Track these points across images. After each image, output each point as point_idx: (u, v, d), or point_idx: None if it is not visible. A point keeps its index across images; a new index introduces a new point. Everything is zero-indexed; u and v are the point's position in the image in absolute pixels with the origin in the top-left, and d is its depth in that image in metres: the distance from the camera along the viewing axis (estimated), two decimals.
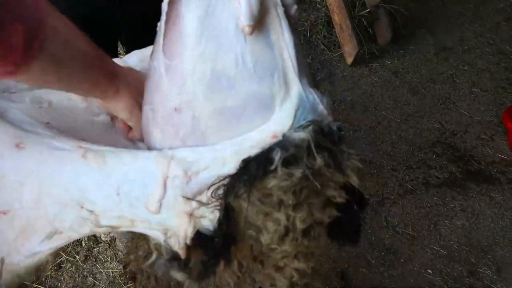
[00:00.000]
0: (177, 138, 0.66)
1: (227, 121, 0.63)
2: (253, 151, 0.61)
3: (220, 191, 0.59)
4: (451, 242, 1.84)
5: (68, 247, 1.80)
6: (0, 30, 0.49)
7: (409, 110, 2.36)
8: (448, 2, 2.99)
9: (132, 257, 0.75)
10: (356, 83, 2.51)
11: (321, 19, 2.67)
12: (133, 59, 0.85)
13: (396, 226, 1.88)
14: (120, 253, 1.77)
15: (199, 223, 0.62)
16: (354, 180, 0.64)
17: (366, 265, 1.76)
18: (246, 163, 0.59)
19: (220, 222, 0.60)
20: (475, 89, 2.47)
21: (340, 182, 0.65)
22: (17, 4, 0.51)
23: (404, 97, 2.44)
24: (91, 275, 1.74)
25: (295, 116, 0.62)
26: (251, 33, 0.59)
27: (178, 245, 0.63)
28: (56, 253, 1.75)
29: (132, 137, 0.80)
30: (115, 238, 1.79)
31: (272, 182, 0.59)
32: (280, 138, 0.61)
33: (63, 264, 1.77)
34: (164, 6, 0.62)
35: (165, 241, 0.64)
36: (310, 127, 0.61)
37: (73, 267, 1.76)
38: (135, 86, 0.75)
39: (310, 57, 2.60)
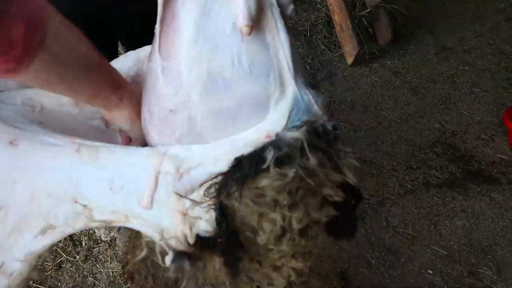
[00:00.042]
0: (173, 138, 0.66)
1: (223, 122, 0.63)
2: (246, 150, 0.61)
3: (212, 189, 0.60)
4: (451, 242, 1.84)
5: (68, 247, 1.80)
6: (0, 25, 0.49)
7: (409, 110, 2.36)
8: (448, 2, 2.99)
9: (129, 256, 0.75)
10: (356, 83, 2.51)
11: (322, 19, 2.67)
12: (127, 60, 0.85)
13: (396, 226, 1.88)
14: (120, 253, 1.78)
15: (195, 224, 0.62)
16: (351, 178, 0.64)
17: (366, 265, 1.76)
18: (239, 161, 0.59)
19: (218, 221, 0.60)
20: (475, 89, 2.46)
21: (337, 181, 0.65)
22: (19, 1, 0.51)
23: (404, 97, 2.44)
24: (91, 275, 1.74)
25: (289, 116, 0.62)
26: (250, 33, 0.59)
27: (180, 246, 0.63)
28: (55, 252, 1.76)
29: None
30: (115, 238, 1.80)
31: (264, 181, 0.59)
32: (274, 137, 0.61)
33: (63, 264, 1.77)
34: (159, 6, 0.61)
35: (161, 240, 0.64)
36: (304, 127, 0.61)
37: (73, 267, 1.76)
38: (138, 99, 0.75)
39: (310, 57, 2.60)
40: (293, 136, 0.60)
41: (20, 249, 0.65)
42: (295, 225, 0.65)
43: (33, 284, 1.69)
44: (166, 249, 0.64)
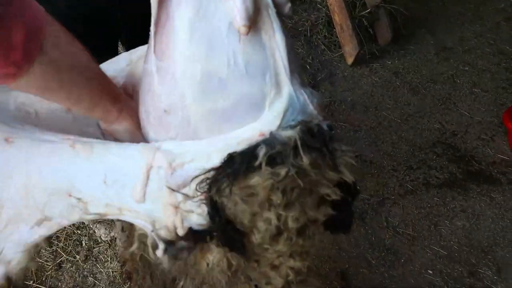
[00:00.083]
0: (168, 138, 0.66)
1: (218, 122, 0.63)
2: (239, 148, 0.61)
3: (204, 184, 0.60)
4: (452, 242, 1.83)
5: (68, 247, 1.80)
6: (1, 27, 0.49)
7: (410, 110, 2.36)
8: (448, 2, 2.99)
9: (123, 250, 0.75)
10: (356, 83, 2.51)
11: (322, 19, 2.67)
12: (120, 61, 0.85)
13: (397, 226, 1.88)
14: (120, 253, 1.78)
15: (187, 218, 0.62)
16: (348, 177, 0.64)
17: (367, 265, 1.76)
18: (231, 157, 0.59)
19: (211, 215, 0.61)
20: (475, 90, 2.46)
21: (334, 180, 0.65)
22: (18, 2, 0.51)
23: (404, 97, 2.44)
24: (92, 275, 1.75)
25: (284, 116, 0.62)
26: (247, 33, 0.59)
27: (169, 235, 0.64)
28: (55, 252, 1.76)
29: None
30: (115, 238, 1.80)
31: (255, 179, 0.59)
32: (267, 135, 0.61)
33: (63, 264, 1.78)
34: (154, 7, 0.61)
35: (152, 231, 0.64)
36: (298, 127, 0.61)
37: (74, 267, 1.76)
38: (137, 111, 0.75)
39: (310, 57, 2.60)
40: (286, 135, 0.60)
41: (17, 239, 0.66)
42: (292, 225, 0.65)
43: (33, 284, 1.69)
44: (157, 240, 0.64)
